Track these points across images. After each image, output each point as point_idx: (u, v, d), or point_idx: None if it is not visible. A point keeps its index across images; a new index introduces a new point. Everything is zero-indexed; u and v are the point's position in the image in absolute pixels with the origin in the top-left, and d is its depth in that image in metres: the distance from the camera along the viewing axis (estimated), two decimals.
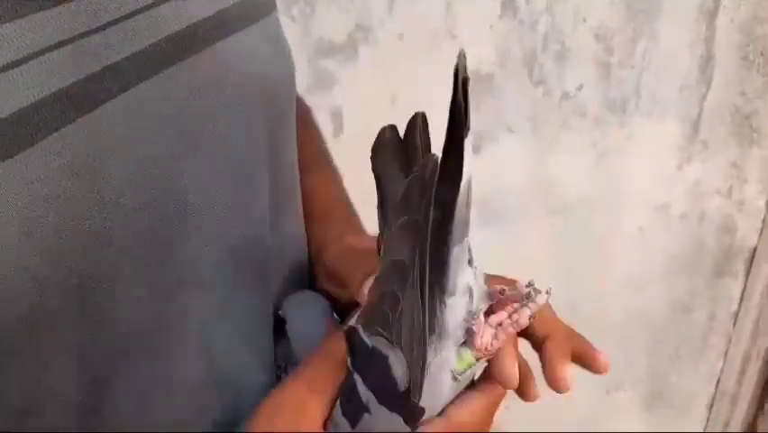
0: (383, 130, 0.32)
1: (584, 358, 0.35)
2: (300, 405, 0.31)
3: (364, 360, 0.29)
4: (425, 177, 0.27)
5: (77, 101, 0.24)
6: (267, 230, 0.35)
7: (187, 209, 0.29)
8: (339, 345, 0.30)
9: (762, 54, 0.95)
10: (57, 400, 0.26)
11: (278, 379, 0.37)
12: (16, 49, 0.23)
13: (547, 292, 0.31)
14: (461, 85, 0.28)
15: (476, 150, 1.01)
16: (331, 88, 0.85)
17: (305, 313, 0.38)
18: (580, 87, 0.97)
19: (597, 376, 0.37)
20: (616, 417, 1.24)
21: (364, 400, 0.30)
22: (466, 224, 0.29)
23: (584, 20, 0.93)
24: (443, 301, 0.29)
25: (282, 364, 0.37)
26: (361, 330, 0.29)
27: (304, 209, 0.42)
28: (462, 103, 0.27)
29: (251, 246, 0.34)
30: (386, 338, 0.28)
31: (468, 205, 0.29)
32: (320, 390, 0.31)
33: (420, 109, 0.32)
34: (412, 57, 0.88)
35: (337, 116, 0.88)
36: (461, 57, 0.28)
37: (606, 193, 1.06)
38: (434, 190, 0.27)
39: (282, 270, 0.39)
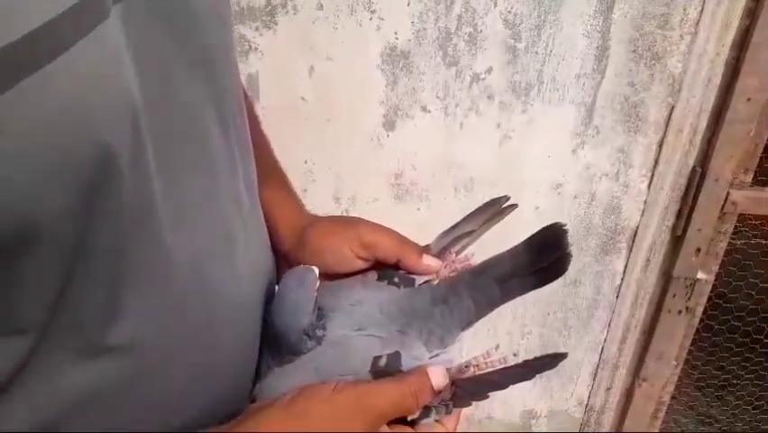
0: None
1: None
2: None
3: None
4: None
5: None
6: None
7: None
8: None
9: (649, 49, 1.03)
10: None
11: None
12: None
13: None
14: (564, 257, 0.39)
15: (392, 125, 1.02)
16: (246, 55, 0.82)
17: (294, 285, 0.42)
18: (489, 71, 1.01)
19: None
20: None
21: None
22: None
23: (495, 4, 0.96)
24: None
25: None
26: None
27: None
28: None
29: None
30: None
31: None
32: None
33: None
34: (331, 28, 0.86)
35: (253, 85, 0.85)
36: (563, 229, 0.39)
37: (507, 173, 1.11)
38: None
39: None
